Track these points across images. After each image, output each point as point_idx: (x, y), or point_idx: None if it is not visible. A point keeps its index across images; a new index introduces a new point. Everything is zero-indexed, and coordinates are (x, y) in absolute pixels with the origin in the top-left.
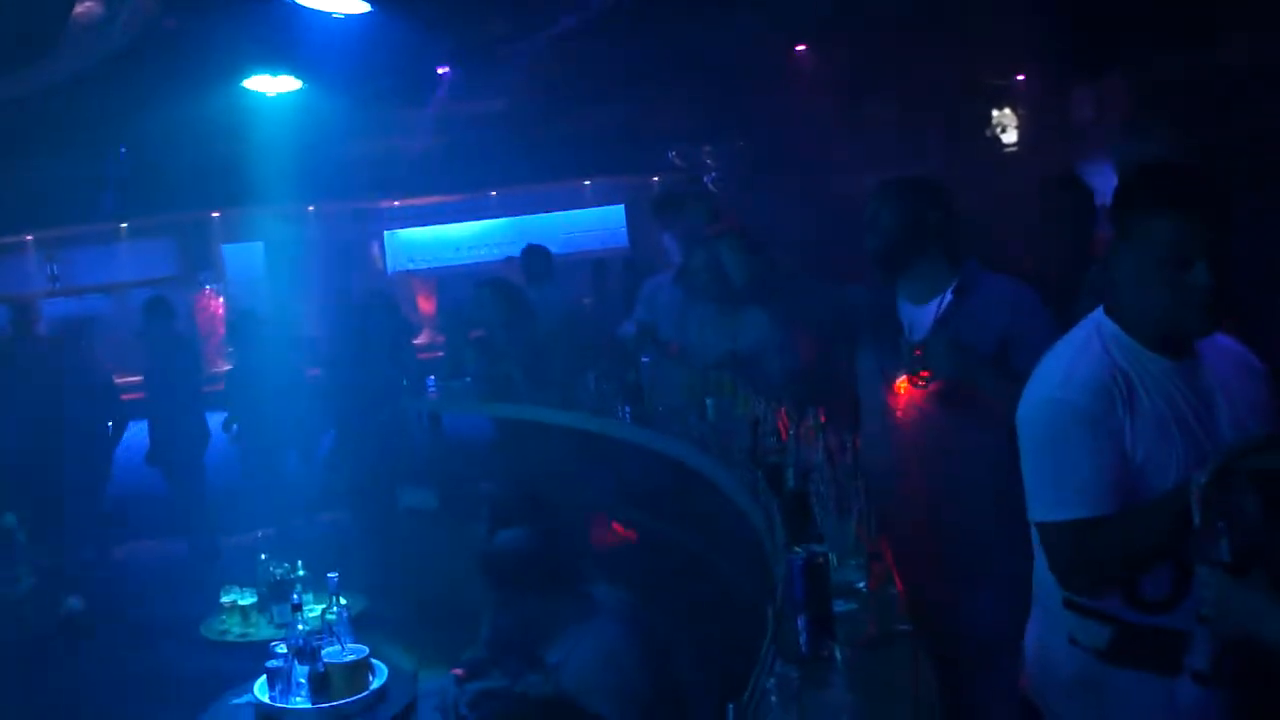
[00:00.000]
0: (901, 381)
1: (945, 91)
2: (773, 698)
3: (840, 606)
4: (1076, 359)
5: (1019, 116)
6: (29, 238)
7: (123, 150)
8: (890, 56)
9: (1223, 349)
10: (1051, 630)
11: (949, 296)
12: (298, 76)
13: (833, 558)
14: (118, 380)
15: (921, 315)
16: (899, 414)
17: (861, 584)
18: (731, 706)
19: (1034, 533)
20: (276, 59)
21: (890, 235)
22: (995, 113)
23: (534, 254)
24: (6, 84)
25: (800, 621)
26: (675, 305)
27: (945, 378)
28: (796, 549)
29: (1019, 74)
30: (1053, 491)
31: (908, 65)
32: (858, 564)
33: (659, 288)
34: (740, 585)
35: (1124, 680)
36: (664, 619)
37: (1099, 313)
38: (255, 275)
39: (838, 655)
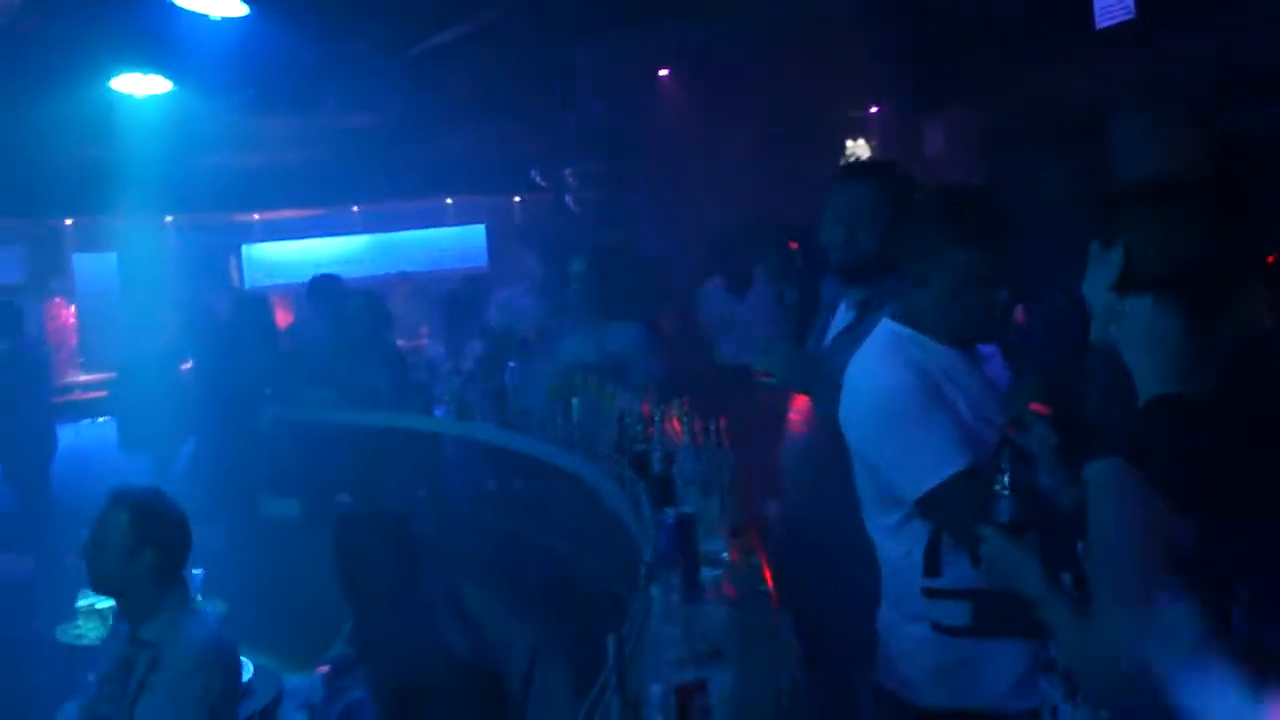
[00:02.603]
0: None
1: (801, 122)
2: (657, 608)
3: (706, 574)
4: (891, 355)
5: (872, 148)
6: None
7: None
8: (749, 85)
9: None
10: (911, 624)
11: (852, 312)
12: (169, 78)
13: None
14: None
15: (841, 321)
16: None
17: (725, 554)
18: (612, 638)
19: (874, 545)
20: (148, 58)
21: (836, 248)
22: (850, 143)
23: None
24: None
25: (673, 578)
26: (532, 313)
27: (781, 382)
28: (667, 509)
29: (873, 106)
30: (926, 457)
31: (766, 94)
32: (722, 537)
33: (513, 298)
34: (604, 576)
35: (989, 652)
36: (525, 612)
37: (888, 325)
38: (108, 286)
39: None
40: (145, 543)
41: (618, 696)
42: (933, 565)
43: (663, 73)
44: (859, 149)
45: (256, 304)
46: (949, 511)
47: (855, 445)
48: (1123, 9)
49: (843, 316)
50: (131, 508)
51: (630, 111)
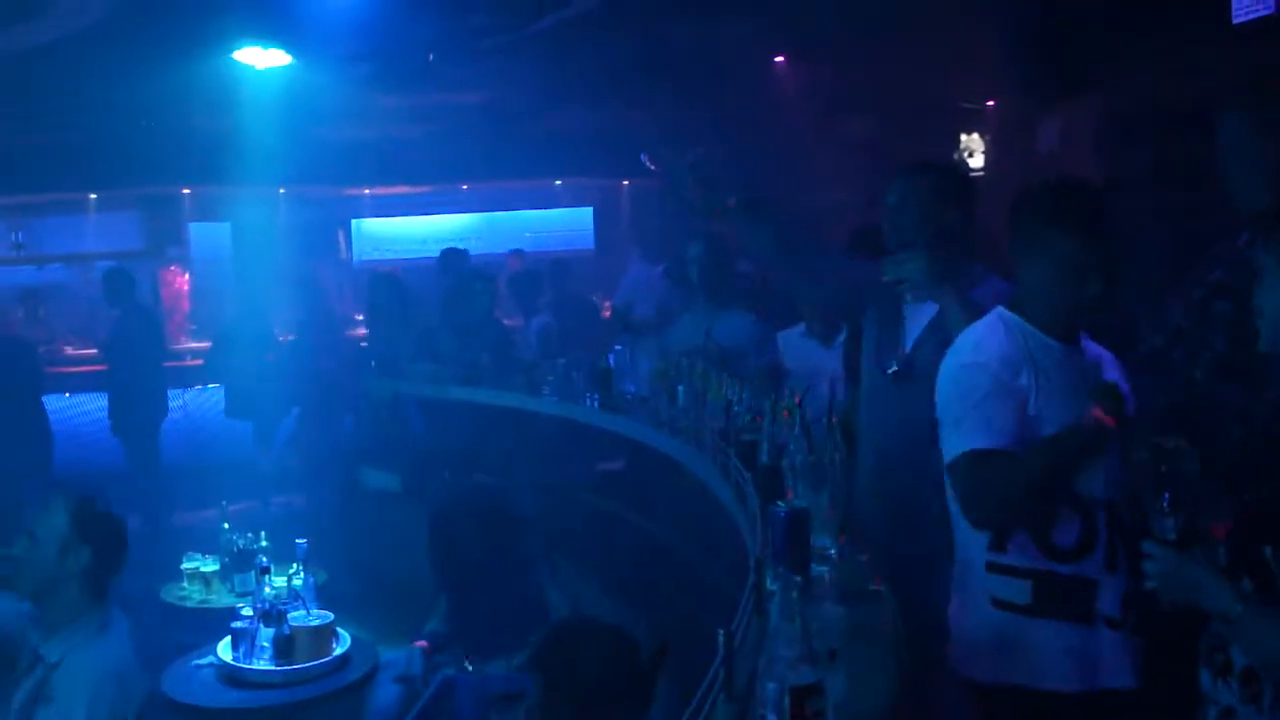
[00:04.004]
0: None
1: (916, 113)
2: (776, 604)
3: (812, 570)
4: (985, 335)
5: (986, 141)
6: None
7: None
8: (865, 75)
9: (1091, 347)
10: (973, 600)
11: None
12: (289, 51)
13: None
14: (75, 351)
15: (918, 313)
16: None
17: (832, 550)
18: (722, 633)
19: (952, 518)
20: (269, 30)
21: (903, 234)
22: (964, 137)
23: (455, 254)
24: None
25: (789, 574)
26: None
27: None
28: (779, 503)
29: (989, 99)
30: (959, 431)
31: (881, 85)
32: (829, 532)
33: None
34: (703, 566)
35: (1046, 632)
36: (618, 596)
37: (999, 309)
38: (221, 255)
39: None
40: (82, 540)
41: (724, 692)
42: (999, 539)
43: (778, 59)
44: (973, 143)
45: (390, 281)
46: (960, 481)
47: (938, 412)
48: (1263, 4)
49: (913, 307)
50: (73, 501)
51: (744, 98)
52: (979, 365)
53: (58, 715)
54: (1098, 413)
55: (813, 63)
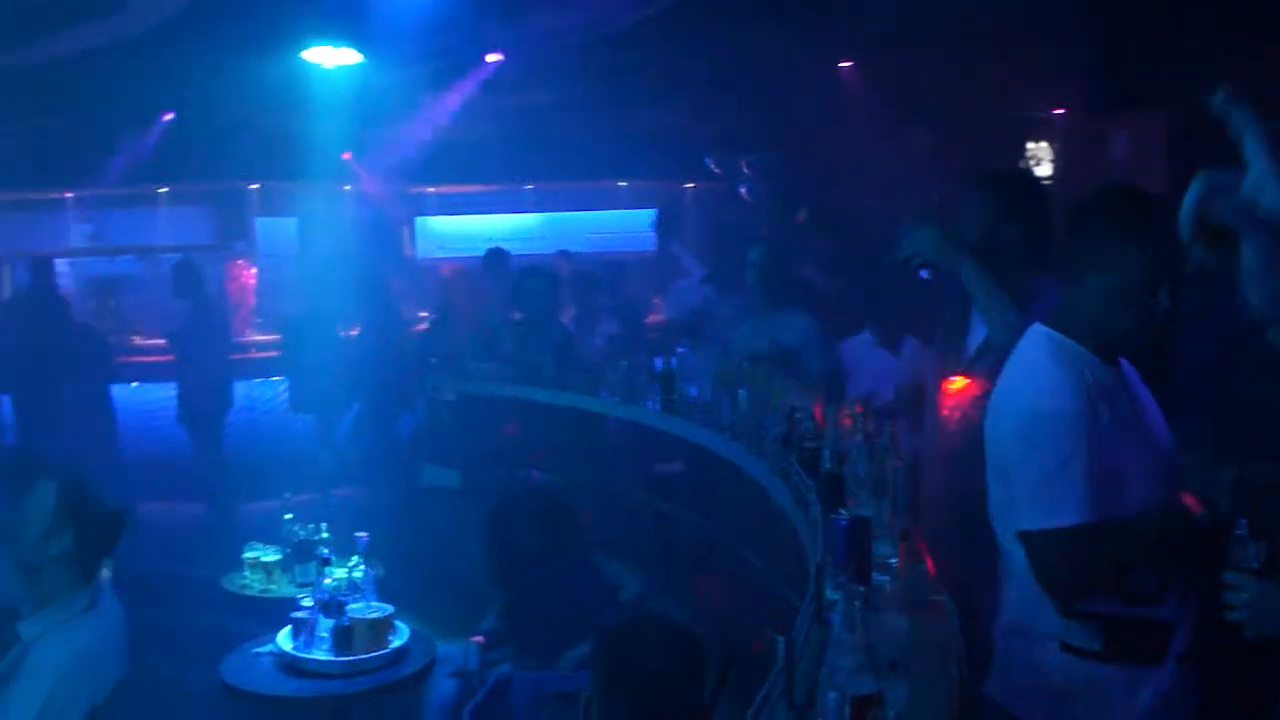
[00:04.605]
0: (953, 381)
1: (983, 121)
2: (838, 613)
3: (874, 579)
4: (1050, 370)
5: (1054, 150)
6: (69, 195)
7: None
8: (932, 82)
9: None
10: (1037, 642)
11: None
12: (358, 50)
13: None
14: (143, 341)
15: (981, 321)
16: (946, 408)
17: (893, 559)
18: (783, 641)
19: (1005, 553)
20: (340, 29)
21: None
22: (1031, 145)
23: (497, 255)
24: (63, 40)
25: (851, 582)
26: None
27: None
28: (841, 511)
29: (1057, 108)
30: (1043, 499)
31: (949, 92)
32: (890, 541)
33: (686, 290)
34: (761, 571)
35: (1117, 676)
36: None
37: (1041, 330)
38: (287, 250)
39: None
40: (66, 524)
41: (785, 699)
42: None
43: (845, 65)
44: (1040, 151)
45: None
46: (1042, 558)
47: (998, 450)
48: None
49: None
50: (62, 483)
51: (810, 103)
52: (1057, 412)
53: (23, 694)
54: (1189, 499)
55: (879, 70)
